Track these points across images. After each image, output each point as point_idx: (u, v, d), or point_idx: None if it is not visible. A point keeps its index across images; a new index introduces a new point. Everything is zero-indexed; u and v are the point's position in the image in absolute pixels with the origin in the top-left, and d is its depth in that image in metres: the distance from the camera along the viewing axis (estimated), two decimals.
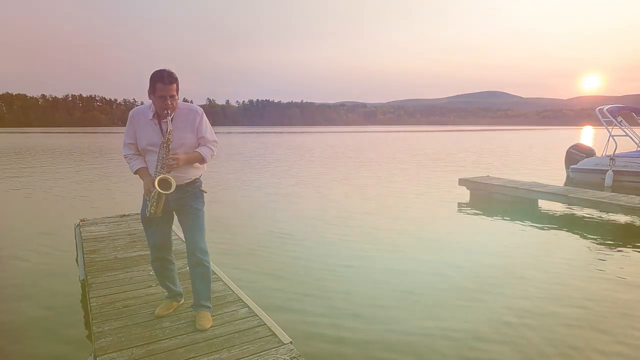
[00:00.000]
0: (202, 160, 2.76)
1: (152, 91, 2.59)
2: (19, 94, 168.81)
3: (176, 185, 2.68)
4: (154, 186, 2.58)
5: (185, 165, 2.70)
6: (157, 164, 2.62)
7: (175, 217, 2.93)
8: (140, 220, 5.63)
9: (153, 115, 2.67)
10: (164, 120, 2.63)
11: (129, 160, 2.77)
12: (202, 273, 2.86)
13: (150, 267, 3.83)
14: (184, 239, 3.05)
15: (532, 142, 38.95)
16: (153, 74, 2.58)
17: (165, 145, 2.60)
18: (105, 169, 16.68)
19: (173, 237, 3.08)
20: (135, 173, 2.76)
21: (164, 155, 2.60)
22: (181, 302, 3.12)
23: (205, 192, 2.95)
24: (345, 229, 7.14)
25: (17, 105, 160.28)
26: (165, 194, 2.59)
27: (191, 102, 2.89)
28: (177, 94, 2.64)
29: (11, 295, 4.38)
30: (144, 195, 2.81)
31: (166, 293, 3.11)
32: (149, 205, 2.67)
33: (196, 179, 2.84)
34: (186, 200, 2.80)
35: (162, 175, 2.58)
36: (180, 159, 2.62)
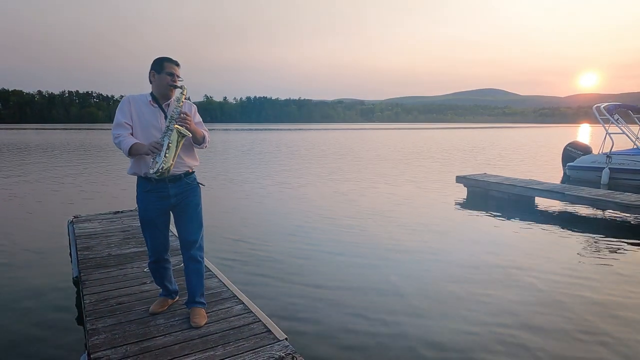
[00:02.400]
0: (203, 137, 2.75)
1: (158, 69, 2.64)
2: (15, 90, 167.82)
3: (175, 177, 2.68)
4: (171, 130, 2.48)
5: (184, 150, 2.69)
6: (172, 116, 2.55)
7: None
8: (133, 217, 5.62)
9: (152, 99, 2.69)
10: (166, 102, 2.69)
11: (121, 139, 2.55)
12: (197, 269, 2.84)
13: (145, 264, 3.82)
14: (177, 235, 3.01)
15: (529, 140, 39.03)
16: (158, 57, 2.68)
17: (179, 100, 2.59)
18: (99, 165, 16.60)
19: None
20: (130, 151, 2.53)
21: (178, 111, 2.56)
22: (176, 299, 3.10)
23: (203, 185, 2.93)
24: (341, 226, 7.12)
25: (14, 102, 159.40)
26: (184, 135, 2.48)
27: (188, 99, 2.86)
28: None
29: (3, 292, 4.34)
30: (138, 196, 2.74)
31: (161, 290, 3.08)
32: (160, 158, 2.43)
33: (193, 170, 2.83)
34: (186, 195, 2.77)
35: (180, 128, 2.50)
36: (191, 120, 2.62)
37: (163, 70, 2.63)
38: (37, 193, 10.38)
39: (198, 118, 2.83)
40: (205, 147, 2.82)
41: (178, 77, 2.68)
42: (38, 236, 6.42)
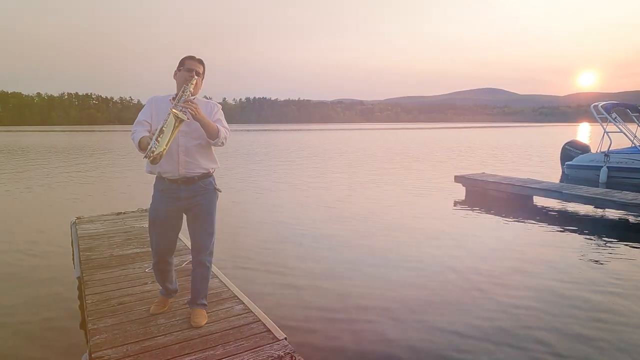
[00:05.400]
0: (217, 132, 2.59)
1: (180, 67, 2.67)
2: (14, 92, 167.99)
3: (188, 179, 2.65)
4: (169, 115, 2.39)
5: (199, 151, 2.66)
6: (176, 103, 2.49)
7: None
8: (136, 218, 5.66)
9: (173, 98, 2.64)
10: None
11: (135, 135, 2.55)
12: (204, 274, 2.85)
13: (146, 265, 3.86)
14: (187, 236, 3.00)
15: (528, 139, 39.05)
16: (183, 57, 2.72)
17: (186, 90, 2.52)
18: (102, 167, 16.63)
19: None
20: (139, 145, 2.49)
21: (183, 99, 2.48)
22: (175, 297, 3.11)
23: (220, 191, 2.84)
24: (341, 226, 7.16)
25: (13, 104, 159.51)
26: (181, 119, 2.36)
27: (210, 99, 2.85)
28: (202, 79, 2.72)
29: (7, 292, 4.38)
30: (153, 195, 2.74)
31: (161, 289, 3.10)
32: (152, 142, 2.34)
33: (209, 173, 2.76)
34: (199, 200, 2.72)
35: (176, 111, 2.38)
36: (199, 107, 2.50)
37: (183, 67, 2.65)
38: (40, 194, 10.42)
39: (219, 116, 2.72)
40: (221, 143, 2.66)
41: (198, 74, 2.65)
42: (41, 237, 6.46)
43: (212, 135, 2.60)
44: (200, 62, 2.70)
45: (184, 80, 2.61)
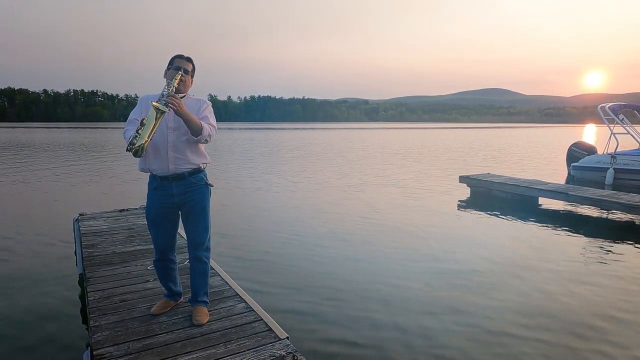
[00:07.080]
0: (200, 129, 2.57)
1: (169, 66, 2.71)
2: (20, 88, 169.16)
3: (178, 176, 2.67)
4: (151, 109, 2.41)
5: (188, 146, 2.65)
6: (159, 96, 2.50)
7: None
8: (138, 215, 5.65)
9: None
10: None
11: (126, 133, 2.57)
12: (202, 269, 2.85)
13: (148, 262, 3.85)
14: (184, 233, 3.00)
15: (534, 140, 38.86)
16: (173, 56, 2.76)
17: (170, 85, 2.54)
18: (105, 164, 16.69)
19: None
20: (129, 138, 2.51)
21: (166, 93, 2.48)
22: (179, 302, 3.08)
23: (212, 186, 2.86)
24: (344, 226, 7.13)
25: (19, 100, 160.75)
26: (162, 110, 2.37)
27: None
28: (191, 79, 2.75)
29: (9, 288, 4.39)
30: (147, 193, 2.77)
31: (165, 291, 3.07)
32: (134, 133, 2.40)
33: (199, 168, 2.75)
34: (191, 196, 2.73)
35: (157, 104, 2.39)
36: (182, 103, 2.50)
37: (172, 65, 2.69)
38: (43, 191, 10.46)
39: (206, 113, 2.72)
40: (204, 140, 2.65)
41: (187, 71, 2.69)
42: (44, 233, 6.48)
43: (195, 132, 2.59)
44: (189, 60, 2.73)
45: (172, 77, 2.64)
